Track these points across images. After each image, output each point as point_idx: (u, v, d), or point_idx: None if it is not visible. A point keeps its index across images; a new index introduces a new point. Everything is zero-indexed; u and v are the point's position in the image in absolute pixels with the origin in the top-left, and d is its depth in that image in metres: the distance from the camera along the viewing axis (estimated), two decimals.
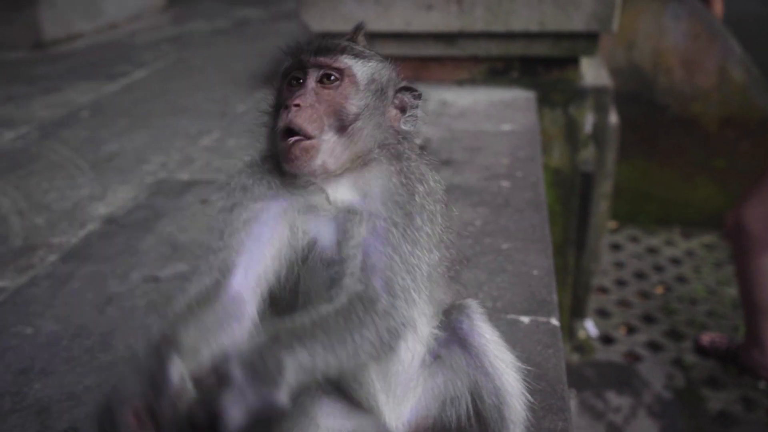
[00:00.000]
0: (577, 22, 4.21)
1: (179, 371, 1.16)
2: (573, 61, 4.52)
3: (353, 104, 1.39)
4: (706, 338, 5.12)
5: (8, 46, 7.45)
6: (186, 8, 10.16)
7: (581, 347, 5.19)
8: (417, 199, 1.36)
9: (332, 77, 1.39)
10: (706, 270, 6.26)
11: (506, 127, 4.06)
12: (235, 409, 1.08)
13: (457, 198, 3.04)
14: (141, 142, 4.45)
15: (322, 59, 1.39)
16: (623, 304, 5.79)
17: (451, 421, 1.60)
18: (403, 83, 1.50)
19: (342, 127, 1.37)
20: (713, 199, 6.74)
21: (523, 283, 2.47)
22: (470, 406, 1.57)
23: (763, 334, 4.63)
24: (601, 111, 4.88)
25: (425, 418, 1.60)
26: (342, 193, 1.40)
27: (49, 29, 7.72)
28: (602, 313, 5.64)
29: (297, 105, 1.34)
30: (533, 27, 4.28)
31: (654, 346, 5.20)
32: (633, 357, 5.10)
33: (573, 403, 4.51)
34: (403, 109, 1.48)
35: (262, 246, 1.36)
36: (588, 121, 4.73)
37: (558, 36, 4.35)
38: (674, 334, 5.34)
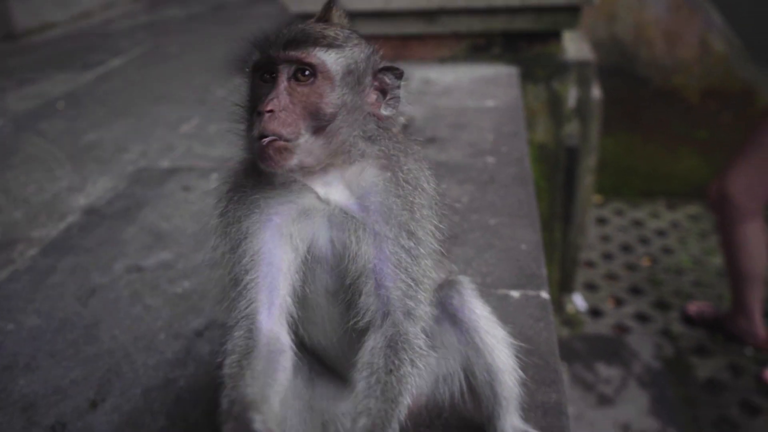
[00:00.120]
0: None
1: (264, 427, 1.21)
2: (555, 36, 4.48)
3: (329, 103, 1.30)
4: (692, 307, 5.18)
5: None
6: None
7: (570, 321, 5.23)
8: (417, 212, 1.36)
9: (306, 72, 1.30)
10: (692, 240, 6.32)
11: (490, 103, 4.03)
12: None
13: (442, 175, 3.02)
14: (120, 132, 4.36)
15: (292, 53, 1.29)
16: (610, 277, 5.83)
17: (444, 398, 1.59)
18: (383, 63, 1.41)
19: (319, 127, 1.30)
20: (696, 170, 6.78)
21: (511, 258, 2.46)
22: (463, 383, 1.56)
23: (748, 301, 4.70)
24: (584, 85, 4.87)
25: (418, 397, 1.59)
26: (332, 191, 1.36)
27: (21, 19, 7.52)
28: (590, 287, 5.68)
29: (270, 111, 1.26)
30: (514, 1, 4.24)
31: (642, 318, 5.25)
32: (621, 329, 5.15)
33: (565, 376, 4.55)
34: (383, 92, 1.40)
35: (273, 274, 1.35)
36: (571, 96, 4.72)
37: (540, 10, 4.31)
38: (661, 305, 5.39)
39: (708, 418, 4.25)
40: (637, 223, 6.68)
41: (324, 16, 1.47)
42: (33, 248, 2.91)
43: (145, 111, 4.75)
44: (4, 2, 7.32)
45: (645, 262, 6.01)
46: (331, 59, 1.32)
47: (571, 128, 4.73)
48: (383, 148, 1.39)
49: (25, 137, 4.38)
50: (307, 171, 1.34)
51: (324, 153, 1.33)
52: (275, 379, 1.32)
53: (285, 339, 1.37)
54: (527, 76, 4.48)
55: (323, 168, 1.36)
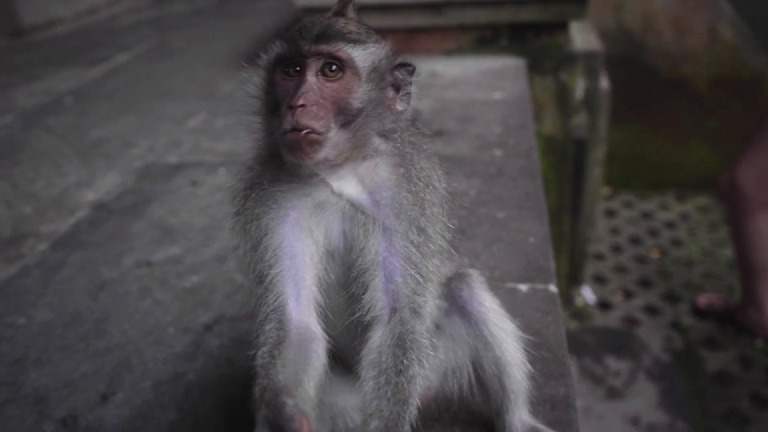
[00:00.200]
0: None
1: (297, 410, 1.22)
2: (562, 26, 4.45)
3: (357, 98, 1.33)
4: (702, 300, 5.15)
5: None
6: None
7: (579, 314, 5.21)
8: (427, 209, 1.37)
9: (333, 67, 1.31)
10: (701, 232, 6.28)
11: (497, 95, 4.01)
12: None
13: (450, 169, 2.99)
14: (127, 127, 4.37)
15: (324, 47, 1.30)
16: (619, 269, 5.81)
17: (453, 391, 1.59)
18: (398, 60, 1.43)
19: (346, 121, 1.32)
20: (706, 161, 6.72)
21: (519, 251, 2.45)
22: (472, 376, 1.56)
23: (759, 293, 4.66)
24: (591, 76, 4.83)
25: (427, 390, 1.59)
26: (346, 185, 1.37)
27: (27, 16, 7.54)
28: (599, 280, 5.66)
29: (302, 105, 1.27)
30: None
31: (651, 310, 5.23)
32: (631, 321, 5.13)
33: (573, 370, 4.54)
34: (397, 88, 1.42)
35: (297, 266, 1.37)
36: (579, 87, 4.68)
37: (546, 1, 4.28)
38: (671, 297, 5.37)
39: (718, 411, 4.23)
40: (647, 215, 6.64)
41: (340, 11, 1.46)
42: (42, 243, 2.93)
43: (152, 106, 4.76)
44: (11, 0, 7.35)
45: (654, 254, 5.98)
46: (359, 55, 1.34)
47: (579, 120, 4.70)
48: (398, 144, 1.41)
49: (33, 133, 4.40)
50: (329, 164, 1.35)
51: (347, 147, 1.34)
52: (308, 364, 1.34)
53: (315, 327, 1.38)
54: (534, 68, 4.45)
55: (340, 164, 1.37)
